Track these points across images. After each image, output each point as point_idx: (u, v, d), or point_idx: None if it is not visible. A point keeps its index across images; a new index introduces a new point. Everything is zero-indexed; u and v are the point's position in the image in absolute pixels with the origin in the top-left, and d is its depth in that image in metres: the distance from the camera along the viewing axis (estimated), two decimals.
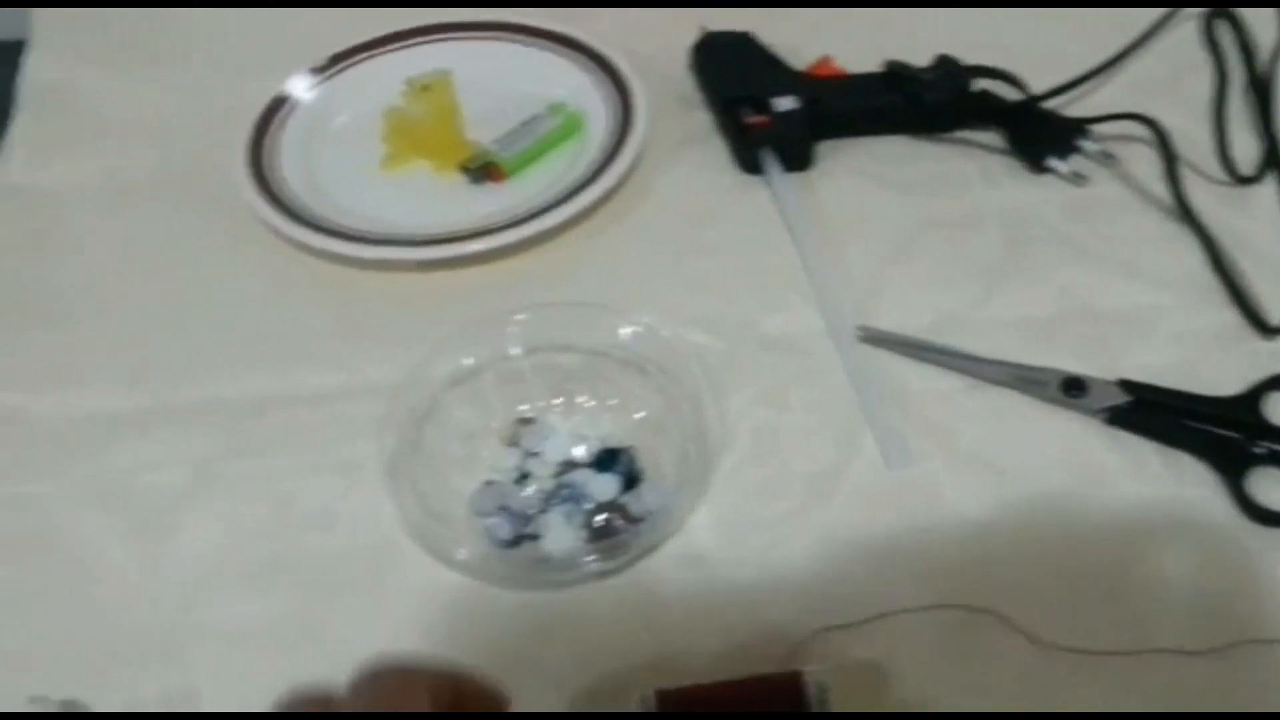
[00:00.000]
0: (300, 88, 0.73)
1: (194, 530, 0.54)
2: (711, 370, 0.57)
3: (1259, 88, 0.71)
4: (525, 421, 0.55)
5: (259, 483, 0.55)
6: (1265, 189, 0.66)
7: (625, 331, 0.56)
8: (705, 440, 0.53)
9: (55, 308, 0.64)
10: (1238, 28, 0.75)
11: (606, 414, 0.56)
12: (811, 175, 0.69)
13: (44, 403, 0.59)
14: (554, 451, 0.54)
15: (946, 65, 0.70)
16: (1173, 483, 0.53)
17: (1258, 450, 0.54)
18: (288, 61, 0.75)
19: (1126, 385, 0.56)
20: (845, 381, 0.58)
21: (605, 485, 0.52)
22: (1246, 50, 0.74)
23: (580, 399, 0.56)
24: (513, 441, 0.55)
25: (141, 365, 0.61)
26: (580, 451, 0.54)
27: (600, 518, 0.52)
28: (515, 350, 0.57)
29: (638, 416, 0.55)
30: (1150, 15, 0.76)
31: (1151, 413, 0.56)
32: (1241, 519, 0.52)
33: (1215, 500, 0.53)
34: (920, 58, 0.71)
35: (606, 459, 0.54)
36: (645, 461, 0.54)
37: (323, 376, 0.60)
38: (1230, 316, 0.60)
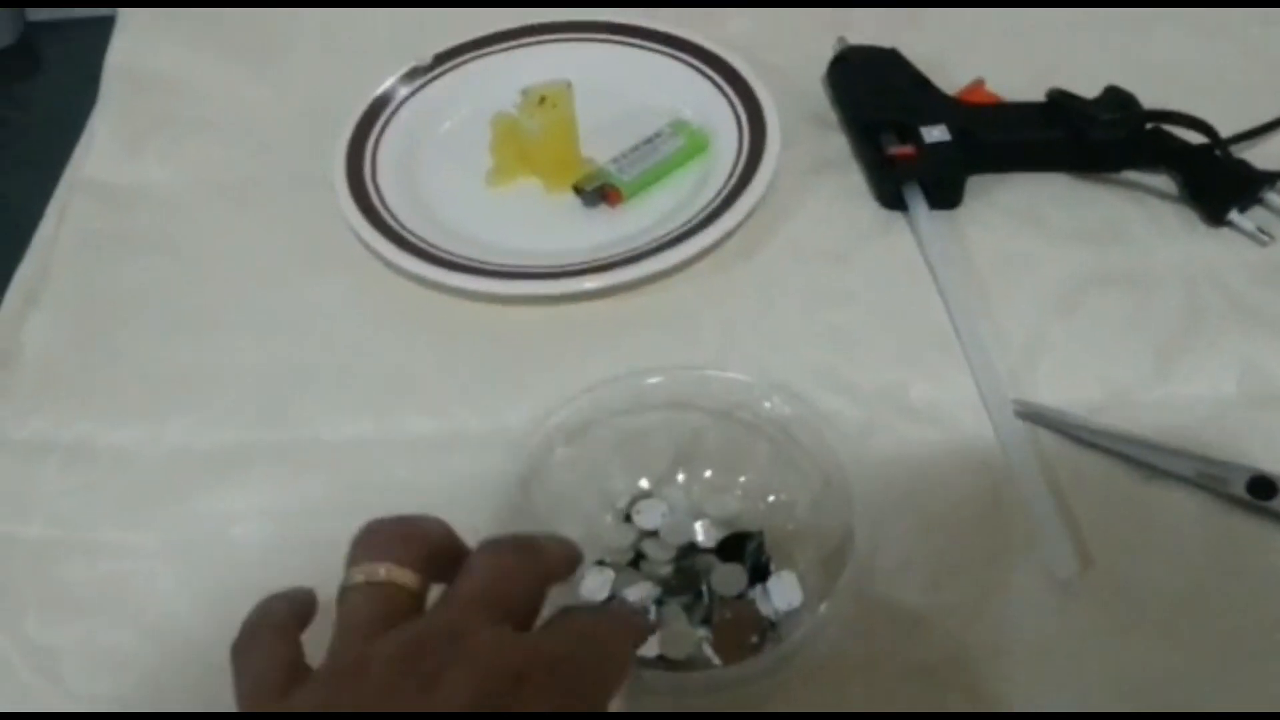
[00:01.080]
0: (403, 89, 0.68)
1: None
2: (849, 443, 0.51)
3: None
4: (642, 495, 0.50)
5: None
6: None
7: (767, 404, 0.50)
8: (848, 529, 0.46)
9: (135, 322, 0.59)
10: None
11: (735, 490, 0.50)
12: (960, 215, 0.62)
13: (119, 435, 0.54)
14: (673, 533, 0.48)
15: (1117, 97, 0.63)
16: None
17: None
18: (393, 59, 0.69)
19: None
20: (1001, 463, 0.51)
21: (731, 578, 0.47)
22: None
23: (706, 472, 0.50)
24: (627, 516, 0.49)
25: (230, 396, 0.56)
26: (702, 533, 0.49)
27: (724, 615, 0.46)
28: (636, 409, 0.51)
29: (771, 499, 0.49)
30: None
31: None
32: None
33: None
34: (1083, 84, 0.64)
35: (732, 545, 0.48)
36: (775, 549, 0.48)
37: (419, 421, 0.55)
38: None
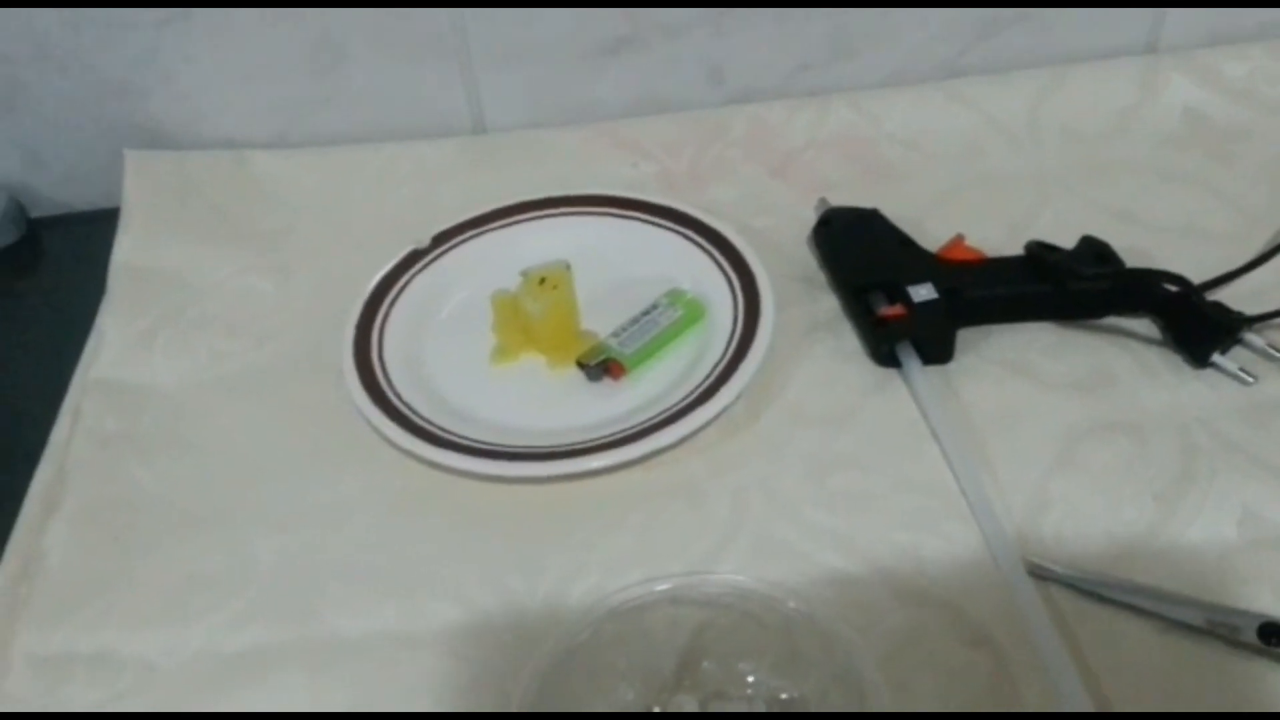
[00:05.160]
0: (404, 272, 0.70)
1: None
2: (853, 609, 0.53)
3: None
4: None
5: None
6: None
7: (787, 605, 0.51)
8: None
9: (152, 524, 0.60)
10: None
11: (745, 691, 0.49)
12: (952, 369, 0.64)
13: (142, 644, 0.55)
14: None
15: (1093, 248, 0.66)
16: None
17: None
18: (392, 239, 0.72)
19: None
20: (1014, 621, 0.52)
21: None
22: None
23: (713, 673, 0.50)
24: None
25: (253, 594, 0.56)
26: None
27: None
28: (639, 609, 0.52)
29: (784, 697, 0.49)
30: None
31: None
32: None
33: None
34: (1056, 233, 0.67)
35: None
36: None
37: (442, 609, 0.55)
38: None
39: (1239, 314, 0.63)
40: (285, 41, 0.78)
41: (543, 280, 0.64)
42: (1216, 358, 0.62)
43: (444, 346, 0.67)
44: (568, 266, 0.65)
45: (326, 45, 0.79)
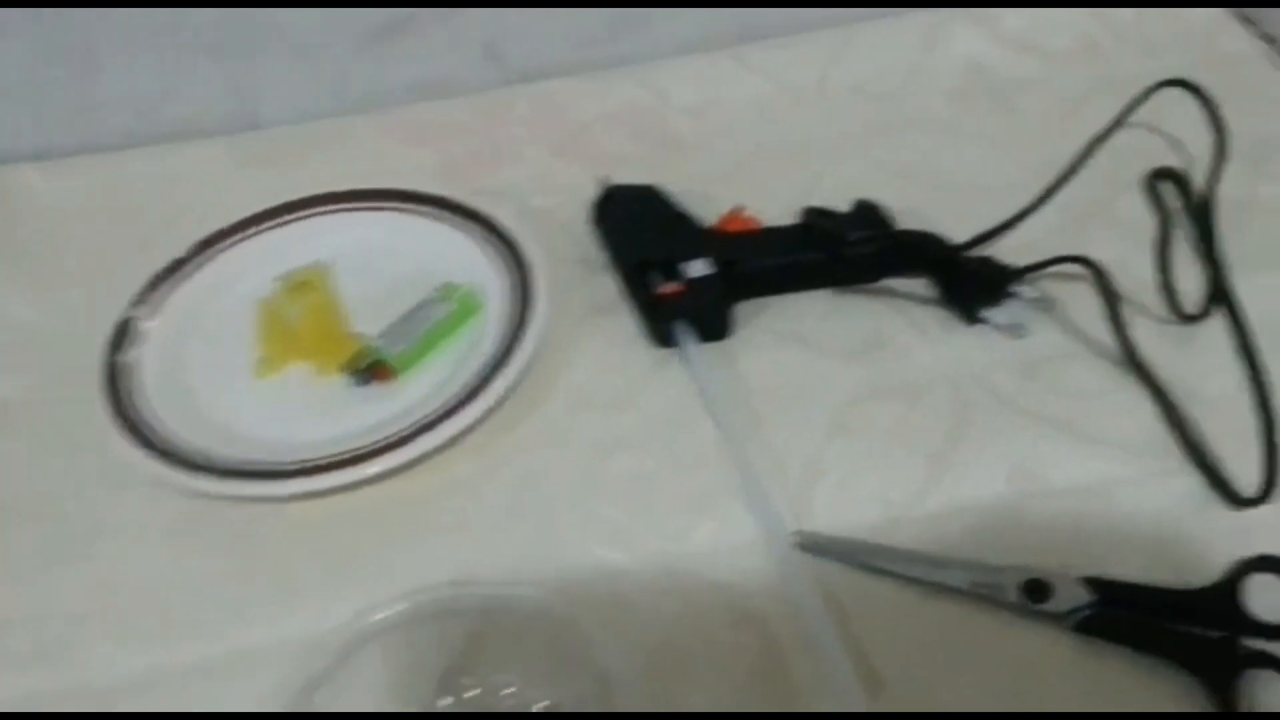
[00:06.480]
0: (162, 287, 0.66)
1: None
2: (625, 604, 0.52)
3: (1199, 216, 0.66)
4: None
5: None
6: (1212, 328, 0.61)
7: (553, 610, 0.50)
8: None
9: None
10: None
11: (505, 705, 0.48)
12: (731, 344, 0.63)
13: None
14: None
15: (864, 211, 0.65)
16: (1152, 701, 0.48)
17: (1244, 650, 0.49)
18: (159, 248, 0.68)
19: (1092, 583, 0.50)
20: (785, 605, 0.51)
21: None
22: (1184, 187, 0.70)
23: (472, 690, 0.49)
24: None
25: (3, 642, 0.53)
26: None
27: None
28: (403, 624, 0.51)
29: (538, 708, 0.48)
30: (1077, 140, 0.71)
31: (1123, 615, 0.50)
32: None
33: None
34: (840, 196, 0.66)
35: None
36: None
37: (197, 647, 0.53)
38: (1195, 484, 0.55)
39: (1007, 267, 0.63)
40: (35, 49, 0.74)
41: (299, 284, 0.61)
42: (986, 312, 0.62)
43: (208, 362, 0.64)
44: (325, 267, 0.62)
45: (78, 50, 0.75)
